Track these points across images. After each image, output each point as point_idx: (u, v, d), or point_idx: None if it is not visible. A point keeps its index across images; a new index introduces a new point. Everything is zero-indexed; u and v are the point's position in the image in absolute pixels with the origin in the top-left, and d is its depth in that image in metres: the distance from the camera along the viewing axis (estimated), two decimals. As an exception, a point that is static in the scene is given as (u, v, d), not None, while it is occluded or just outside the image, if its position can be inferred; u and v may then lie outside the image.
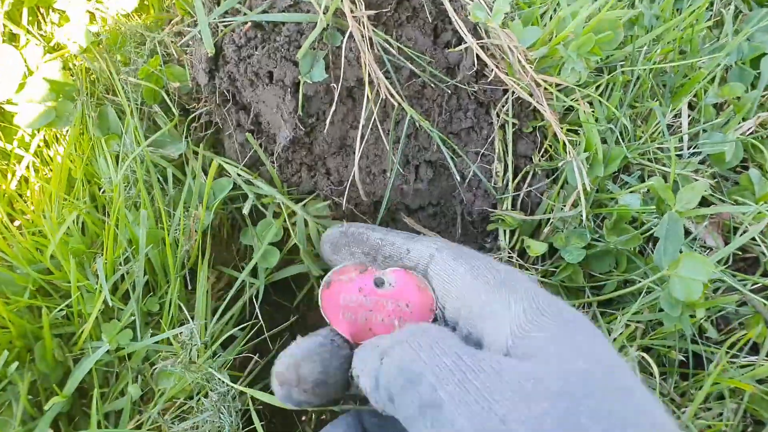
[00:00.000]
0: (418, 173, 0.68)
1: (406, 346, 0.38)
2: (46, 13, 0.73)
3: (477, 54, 0.62)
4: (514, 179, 0.69)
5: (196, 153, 0.70)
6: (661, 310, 0.66)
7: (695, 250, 0.67)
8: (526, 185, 0.70)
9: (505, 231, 0.69)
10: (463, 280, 0.49)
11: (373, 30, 0.60)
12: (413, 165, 0.68)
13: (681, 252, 0.60)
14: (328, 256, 0.58)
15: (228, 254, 0.72)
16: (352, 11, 0.58)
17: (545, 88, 0.65)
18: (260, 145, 0.68)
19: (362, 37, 0.59)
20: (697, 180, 0.66)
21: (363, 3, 0.58)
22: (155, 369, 0.61)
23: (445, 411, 0.32)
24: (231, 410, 0.59)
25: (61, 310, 0.61)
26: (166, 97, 0.68)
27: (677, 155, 0.69)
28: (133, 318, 0.61)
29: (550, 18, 0.73)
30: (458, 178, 0.69)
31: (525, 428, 0.30)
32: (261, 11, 0.60)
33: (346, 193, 0.65)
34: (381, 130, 0.64)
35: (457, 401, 0.32)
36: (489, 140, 0.68)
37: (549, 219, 0.68)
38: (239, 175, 0.66)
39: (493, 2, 0.62)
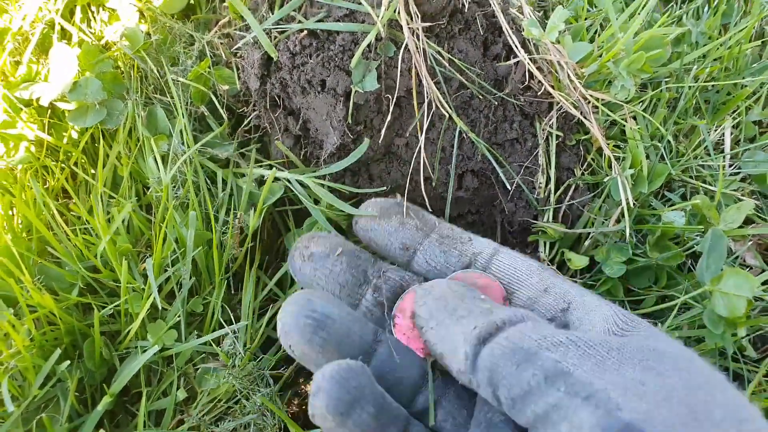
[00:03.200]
0: (463, 182, 0.69)
1: (511, 329, 0.39)
2: (97, 12, 0.73)
3: (528, 68, 0.63)
4: (556, 191, 0.70)
5: (241, 155, 0.71)
6: (701, 327, 0.66)
7: (735, 267, 0.68)
8: (567, 198, 0.70)
9: (545, 243, 0.70)
10: (540, 274, 0.50)
11: (426, 42, 0.61)
12: (457, 174, 0.68)
13: (722, 269, 0.61)
14: (367, 223, 0.54)
15: (269, 255, 0.72)
16: (408, 23, 0.59)
17: (591, 103, 0.65)
18: (306, 150, 0.69)
19: (416, 48, 0.59)
20: (741, 199, 0.66)
21: (419, 15, 0.59)
22: (198, 370, 0.62)
23: (577, 375, 0.33)
24: (274, 413, 0.59)
25: (109, 309, 0.61)
26: (214, 98, 0.69)
27: (719, 173, 0.69)
28: (178, 319, 0.62)
29: (596, 32, 0.73)
30: (502, 188, 0.69)
31: (661, 395, 0.31)
32: (317, 20, 0.61)
33: (405, 194, 0.65)
34: (422, 140, 0.64)
35: (586, 368, 0.33)
36: (533, 152, 0.69)
37: (590, 233, 0.68)
38: (292, 180, 0.66)
39: (532, 12, 0.62)
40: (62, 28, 0.73)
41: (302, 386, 0.67)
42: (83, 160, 0.70)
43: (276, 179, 0.65)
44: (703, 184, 0.68)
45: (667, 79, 0.71)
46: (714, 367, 0.37)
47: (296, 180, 0.63)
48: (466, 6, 0.63)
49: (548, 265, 0.69)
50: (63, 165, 0.69)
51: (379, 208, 0.55)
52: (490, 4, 0.65)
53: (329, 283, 0.52)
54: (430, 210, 0.70)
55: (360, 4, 0.60)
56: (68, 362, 0.59)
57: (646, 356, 0.36)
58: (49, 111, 0.70)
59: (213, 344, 0.62)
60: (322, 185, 0.63)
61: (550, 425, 0.33)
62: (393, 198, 0.56)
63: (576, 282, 0.69)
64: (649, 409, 0.31)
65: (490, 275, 0.50)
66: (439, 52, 0.62)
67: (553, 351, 0.35)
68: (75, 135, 0.70)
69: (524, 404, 0.35)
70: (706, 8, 0.76)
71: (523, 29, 0.60)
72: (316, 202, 0.65)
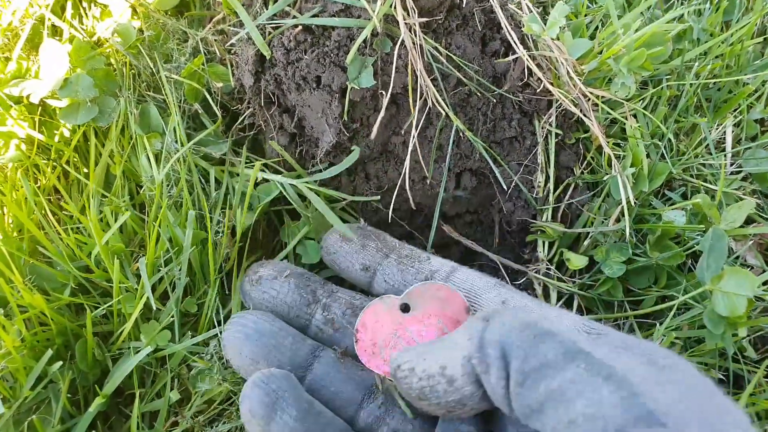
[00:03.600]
0: (460, 181, 0.68)
1: (511, 311, 0.38)
2: (89, 7, 0.72)
3: (526, 65, 0.62)
4: (555, 190, 0.69)
5: (235, 153, 0.70)
6: (701, 327, 0.65)
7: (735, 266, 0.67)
8: (567, 197, 0.69)
9: (544, 242, 0.69)
10: (497, 289, 0.50)
11: (423, 37, 0.60)
12: (454, 173, 0.68)
13: (723, 269, 0.60)
14: (331, 245, 0.57)
15: (265, 253, 0.71)
16: (404, 18, 0.57)
17: (591, 101, 0.64)
18: (302, 149, 0.68)
19: (413, 44, 0.58)
20: (742, 198, 0.65)
21: (416, 10, 0.58)
22: (192, 371, 0.61)
23: (597, 356, 0.32)
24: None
25: (102, 309, 0.61)
26: (208, 96, 0.68)
27: (720, 172, 0.68)
28: (171, 319, 0.61)
29: (596, 29, 0.72)
30: (500, 187, 0.68)
31: (677, 391, 0.31)
32: (312, 15, 0.60)
33: (393, 198, 0.65)
34: (416, 137, 0.63)
35: (602, 353, 0.33)
36: (532, 150, 0.68)
37: (589, 232, 0.67)
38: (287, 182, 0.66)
39: (531, 8, 0.61)
40: (53, 24, 0.71)
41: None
42: (75, 159, 0.69)
43: (266, 181, 0.64)
44: (704, 183, 0.68)
45: (668, 77, 0.70)
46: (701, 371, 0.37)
47: (289, 184, 0.62)
48: (464, 1, 0.62)
49: (546, 264, 0.68)
50: (55, 163, 0.68)
51: (338, 236, 0.58)
52: (489, 0, 0.64)
53: (277, 304, 0.54)
54: (423, 213, 0.70)
55: (356, -1, 0.59)
56: (60, 363, 0.58)
57: (647, 352, 0.35)
58: (40, 108, 0.69)
59: (204, 347, 0.61)
60: (311, 189, 0.63)
61: (564, 402, 0.32)
62: (356, 223, 0.59)
63: (575, 282, 0.68)
64: (669, 402, 0.30)
65: (451, 285, 0.50)
66: (436, 48, 0.61)
67: (569, 331, 0.34)
68: (67, 133, 0.69)
69: (538, 379, 0.33)
70: (707, 5, 0.75)
71: (523, 25, 0.59)
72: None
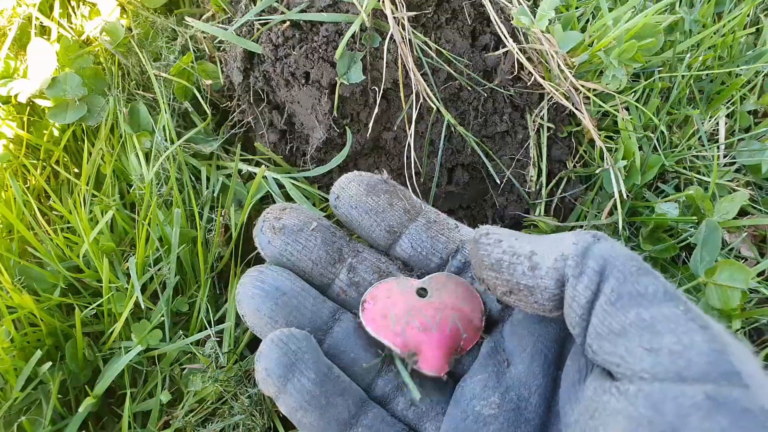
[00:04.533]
0: (453, 176, 0.68)
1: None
2: (77, 6, 0.72)
3: (517, 58, 0.61)
4: (547, 184, 0.68)
5: (226, 151, 0.69)
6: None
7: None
8: (560, 191, 0.69)
9: (537, 237, 0.68)
10: None
11: (412, 32, 0.59)
12: (446, 168, 0.67)
13: (717, 261, 0.60)
14: (352, 199, 0.49)
15: (256, 252, 0.71)
16: (392, 12, 0.57)
17: (583, 94, 0.64)
18: (292, 145, 0.67)
19: (402, 38, 0.58)
20: (735, 190, 0.65)
21: (404, 4, 0.57)
22: (184, 370, 0.61)
23: (694, 308, 0.33)
24: (263, 412, 0.58)
25: (91, 308, 0.60)
26: (197, 94, 0.68)
27: (713, 164, 0.68)
28: (162, 318, 0.61)
29: (587, 21, 0.72)
30: (493, 182, 0.68)
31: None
32: (299, 10, 0.59)
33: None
34: (412, 134, 0.63)
35: (696, 308, 0.33)
36: (524, 144, 0.68)
37: (582, 226, 0.67)
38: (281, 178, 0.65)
39: (527, 2, 0.61)
40: (41, 23, 0.71)
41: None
42: (65, 159, 0.69)
43: (254, 176, 0.64)
44: (697, 175, 0.67)
45: (659, 69, 0.69)
46: None
47: (273, 178, 0.62)
48: (453, -5, 0.61)
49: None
50: (44, 163, 0.68)
51: (365, 185, 0.50)
52: (478, -7, 0.63)
53: (301, 259, 0.49)
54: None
55: (344, -6, 0.59)
56: (50, 364, 0.57)
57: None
58: (29, 108, 0.68)
59: (194, 346, 0.60)
60: (297, 187, 0.62)
61: (652, 332, 0.32)
62: (378, 174, 0.52)
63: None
64: (755, 368, 0.30)
65: (473, 287, 0.48)
66: (425, 43, 0.61)
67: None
68: (56, 132, 0.69)
69: (631, 305, 0.33)
70: (699, -4, 0.75)
71: (513, 18, 0.59)
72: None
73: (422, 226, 0.50)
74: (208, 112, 0.68)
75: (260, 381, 0.43)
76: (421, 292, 0.48)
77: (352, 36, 0.58)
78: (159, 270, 0.61)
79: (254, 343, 0.65)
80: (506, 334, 0.46)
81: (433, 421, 0.46)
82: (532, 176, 0.68)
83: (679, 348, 0.31)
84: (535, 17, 0.56)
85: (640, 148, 0.67)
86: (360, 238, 0.53)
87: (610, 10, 0.64)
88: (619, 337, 0.33)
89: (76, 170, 0.70)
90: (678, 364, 0.30)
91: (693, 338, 0.31)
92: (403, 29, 0.58)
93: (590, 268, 0.35)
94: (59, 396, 0.58)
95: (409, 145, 0.63)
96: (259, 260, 0.66)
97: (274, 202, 0.68)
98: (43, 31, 0.72)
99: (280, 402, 0.43)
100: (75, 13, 0.72)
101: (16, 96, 0.66)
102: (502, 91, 0.65)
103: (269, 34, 0.60)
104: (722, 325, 0.33)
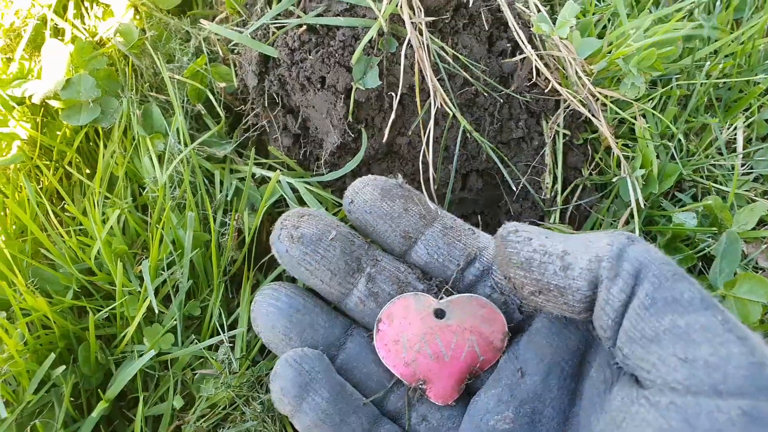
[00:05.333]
0: (467, 182, 0.67)
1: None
2: (91, 7, 0.71)
3: (534, 65, 0.61)
4: (562, 192, 0.68)
5: (239, 154, 0.69)
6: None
7: (748, 271, 0.66)
8: (575, 198, 0.68)
9: (551, 244, 0.68)
10: None
11: (430, 37, 0.59)
12: (460, 174, 0.67)
13: (736, 273, 0.59)
14: (367, 204, 0.48)
15: (268, 256, 0.71)
16: (410, 17, 0.57)
17: (600, 101, 0.63)
18: (306, 150, 0.67)
19: (419, 44, 0.58)
20: (754, 200, 0.64)
21: (422, 9, 0.57)
22: (196, 375, 0.60)
23: (730, 316, 0.32)
24: (275, 419, 0.58)
25: (104, 312, 0.60)
26: (211, 96, 0.67)
27: (731, 173, 0.67)
28: (174, 323, 0.60)
29: (604, 27, 0.71)
30: (507, 188, 0.67)
31: None
32: (316, 14, 0.59)
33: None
34: (430, 140, 0.63)
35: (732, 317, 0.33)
36: (539, 151, 0.67)
37: (597, 234, 0.66)
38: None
39: (540, 6, 0.60)
40: (55, 24, 0.71)
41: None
42: (78, 160, 0.69)
43: (268, 180, 0.63)
44: (715, 185, 0.66)
45: (677, 76, 0.69)
46: None
47: (287, 183, 0.61)
48: (471, 0, 0.61)
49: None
50: (57, 165, 0.68)
51: (380, 189, 0.49)
52: (496, -1, 0.63)
53: (319, 269, 0.48)
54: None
55: (361, -2, 0.58)
56: (63, 367, 0.57)
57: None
58: (42, 109, 0.68)
59: (207, 350, 0.60)
60: (311, 191, 0.61)
61: (687, 341, 0.31)
62: (392, 177, 0.50)
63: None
64: None
65: (495, 307, 0.47)
66: (442, 48, 0.60)
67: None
68: (69, 134, 0.69)
69: (666, 310, 0.32)
70: (717, 2, 0.74)
71: (531, 24, 0.58)
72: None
73: (438, 232, 0.49)
74: (222, 115, 0.67)
75: (276, 401, 0.44)
76: (439, 313, 0.47)
77: (369, 41, 0.57)
78: (172, 274, 0.61)
79: (266, 348, 0.64)
80: (522, 344, 0.45)
81: None
82: (547, 183, 0.67)
83: (716, 360, 0.30)
84: (554, 24, 0.55)
85: (657, 157, 0.67)
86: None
87: (629, 16, 0.64)
88: (652, 343, 0.32)
89: (88, 171, 0.70)
90: (714, 377, 0.30)
91: (730, 350, 0.30)
92: (421, 34, 0.57)
93: (625, 271, 0.35)
94: (71, 399, 0.58)
95: (423, 150, 0.62)
96: (272, 265, 0.66)
97: (287, 207, 0.68)
98: (58, 32, 0.72)
99: (296, 421, 0.44)
100: (89, 14, 0.72)
101: (30, 97, 0.66)
102: (519, 97, 0.64)
103: (285, 37, 0.60)
104: (761, 337, 0.33)
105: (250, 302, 0.62)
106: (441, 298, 0.47)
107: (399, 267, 0.50)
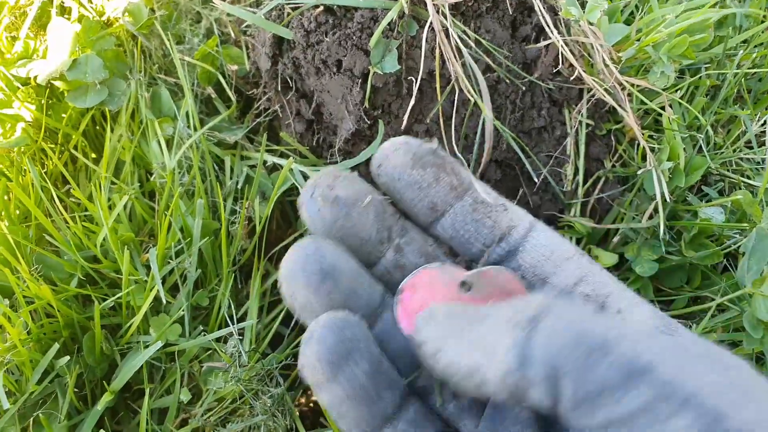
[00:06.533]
0: (485, 173, 0.65)
1: (563, 316, 0.32)
2: (98, -15, 0.69)
3: (560, 51, 0.58)
4: (584, 184, 0.65)
5: (250, 140, 0.67)
6: (735, 330, 0.63)
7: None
8: (597, 191, 0.66)
9: (572, 238, 0.66)
10: (578, 260, 0.43)
11: (452, 20, 0.56)
12: (479, 163, 0.64)
13: (764, 271, 0.57)
14: (396, 170, 0.45)
15: (279, 246, 0.69)
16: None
17: (627, 90, 0.61)
18: (319, 136, 0.65)
19: (441, 27, 0.55)
20: (784, 196, 0.62)
21: (444, -9, 0.54)
22: (203, 367, 0.59)
23: (664, 373, 0.28)
24: (286, 413, 0.56)
25: (110, 301, 0.58)
26: (222, 79, 0.65)
27: (760, 167, 0.65)
28: (182, 313, 0.58)
29: (631, 13, 0.68)
30: (526, 179, 0.65)
31: (762, 400, 0.28)
32: (333, -5, 0.56)
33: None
34: (454, 125, 0.60)
35: (670, 365, 0.28)
36: (561, 142, 0.65)
37: (619, 228, 0.64)
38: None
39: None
40: (61, 3, 0.69)
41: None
42: (83, 144, 0.67)
43: (279, 167, 0.61)
44: (743, 179, 0.64)
45: (707, 65, 0.66)
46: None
47: (299, 171, 0.59)
48: (495, -18, 0.58)
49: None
50: (62, 148, 0.66)
51: (412, 154, 0.45)
52: (521, -19, 0.60)
53: (352, 235, 0.45)
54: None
55: (381, -22, 0.56)
56: (67, 357, 0.55)
57: (715, 356, 0.31)
58: (48, 90, 0.66)
59: (215, 342, 0.58)
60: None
61: (634, 430, 0.28)
62: (427, 141, 0.47)
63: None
64: (756, 418, 0.27)
65: (524, 281, 0.45)
66: (464, 32, 0.58)
67: (625, 342, 0.30)
68: (75, 116, 0.66)
69: (596, 406, 0.29)
70: (749, -11, 0.71)
71: (559, 9, 0.56)
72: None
73: (468, 206, 0.46)
74: (233, 99, 0.65)
75: (307, 366, 0.39)
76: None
77: (389, 23, 0.55)
78: (180, 262, 0.59)
79: (276, 340, 0.63)
80: None
81: (473, 418, 0.44)
82: (568, 175, 0.65)
83: None
84: (584, 8, 0.53)
85: (683, 149, 0.64)
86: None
87: (659, 1, 0.61)
88: None
89: (94, 156, 0.68)
90: None
91: (678, 425, 0.27)
92: (443, 17, 0.55)
93: (538, 378, 0.31)
94: (75, 390, 0.56)
95: (442, 138, 0.60)
96: (283, 256, 0.64)
97: (299, 195, 0.66)
98: (64, 10, 0.69)
99: (325, 391, 0.39)
100: (97, -8, 0.70)
101: (35, 78, 0.64)
102: (542, 84, 0.62)
103: (300, 18, 0.58)
104: (695, 364, 0.29)
105: (261, 294, 0.60)
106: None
107: (428, 240, 0.47)
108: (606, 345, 0.29)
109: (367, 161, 0.63)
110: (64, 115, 0.66)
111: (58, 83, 0.64)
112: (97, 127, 0.67)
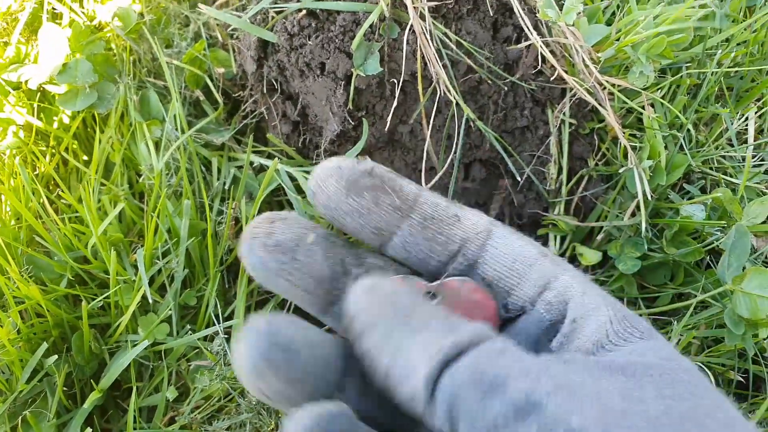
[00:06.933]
0: (470, 172, 0.66)
1: (475, 352, 0.32)
2: (89, -9, 0.70)
3: (540, 52, 0.59)
4: (567, 182, 0.66)
5: (237, 141, 0.68)
6: (719, 326, 0.63)
7: (758, 266, 0.64)
8: (580, 189, 0.67)
9: (555, 236, 0.66)
10: (540, 265, 0.41)
11: (433, 23, 0.57)
12: (463, 163, 0.65)
13: (744, 267, 0.57)
14: (331, 200, 0.41)
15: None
16: (413, 2, 0.55)
17: (607, 90, 0.61)
18: (305, 137, 0.66)
19: (422, 29, 0.56)
20: (765, 192, 0.63)
21: (424, -7, 0.55)
22: (191, 366, 0.59)
23: (552, 410, 0.29)
24: (271, 411, 0.57)
25: (98, 301, 0.59)
26: (209, 82, 0.66)
27: (741, 165, 0.66)
28: (170, 312, 0.59)
29: (613, 14, 0.69)
30: (511, 179, 0.66)
31: (645, 420, 0.28)
32: (316, -2, 0.57)
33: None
34: (430, 127, 0.61)
35: (560, 400, 0.29)
36: (544, 141, 0.65)
37: (603, 226, 0.65)
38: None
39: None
40: (52, 8, 0.70)
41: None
42: (74, 146, 0.68)
43: (266, 168, 0.62)
44: (725, 177, 0.65)
45: (687, 64, 0.67)
46: (717, 390, 0.33)
47: (285, 171, 0.60)
48: (475, -15, 0.59)
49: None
50: (53, 151, 0.67)
51: (345, 181, 0.42)
52: (501, -17, 0.61)
53: (302, 278, 0.42)
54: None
55: (362, -19, 0.57)
56: (56, 356, 0.56)
57: (629, 380, 0.31)
58: (39, 94, 0.67)
59: (202, 341, 0.59)
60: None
61: None
62: (360, 160, 0.43)
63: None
64: None
65: (488, 290, 0.43)
66: (446, 34, 0.58)
67: (523, 379, 0.30)
68: (66, 119, 0.67)
69: None
70: (730, -11, 0.72)
71: (537, 11, 0.57)
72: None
73: (417, 224, 0.43)
74: (220, 101, 0.66)
75: None
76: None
77: (370, 26, 0.56)
78: (167, 262, 0.60)
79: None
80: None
81: None
82: (552, 174, 0.66)
83: None
84: (561, 10, 0.54)
85: (665, 147, 0.65)
86: None
87: (638, 2, 0.62)
88: None
89: (85, 158, 0.69)
90: None
91: None
92: (423, 20, 0.56)
93: (440, 414, 0.31)
94: (64, 388, 0.57)
95: (425, 139, 0.61)
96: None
97: (286, 195, 0.67)
98: (55, 15, 0.71)
99: None
100: (87, -3, 0.71)
101: (26, 82, 0.65)
102: (524, 85, 0.63)
103: (284, 22, 0.59)
104: (580, 412, 0.29)
105: (248, 293, 0.61)
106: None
107: (387, 263, 0.45)
108: (500, 385, 0.30)
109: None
110: (55, 118, 0.67)
111: (49, 87, 0.65)
112: (88, 130, 0.68)
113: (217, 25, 0.67)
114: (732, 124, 0.66)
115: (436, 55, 0.57)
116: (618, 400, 0.30)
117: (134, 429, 0.55)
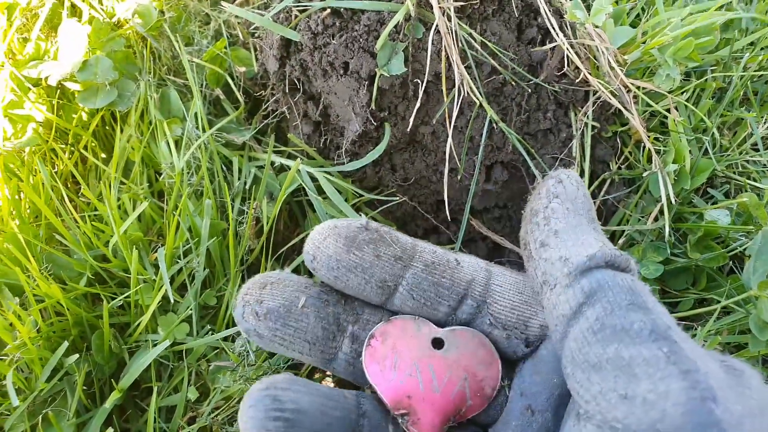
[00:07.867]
0: (491, 174, 0.65)
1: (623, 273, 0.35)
2: (109, -12, 0.70)
3: (565, 54, 0.59)
4: (590, 186, 0.66)
5: (258, 141, 0.67)
6: (741, 332, 0.62)
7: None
8: (602, 193, 0.66)
9: (577, 240, 0.66)
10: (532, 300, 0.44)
11: (458, 23, 0.57)
12: (485, 165, 0.65)
13: (770, 274, 0.57)
14: (339, 258, 0.42)
15: (286, 246, 0.69)
16: (439, 2, 0.54)
17: (632, 93, 0.61)
18: (326, 138, 0.65)
19: (447, 30, 0.55)
20: (790, 198, 0.62)
21: (451, -7, 0.55)
22: (211, 366, 0.59)
23: (683, 348, 0.30)
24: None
25: (119, 300, 0.59)
26: (230, 81, 0.66)
27: (766, 170, 0.65)
28: (190, 312, 0.59)
29: (637, 16, 0.68)
30: (533, 181, 0.65)
31: (754, 404, 0.29)
32: (341, -3, 0.57)
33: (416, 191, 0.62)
34: (451, 129, 0.61)
35: (687, 346, 0.31)
36: (567, 144, 0.65)
37: (624, 230, 0.64)
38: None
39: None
40: (72, 4, 0.69)
41: (321, 382, 0.64)
42: (93, 144, 0.67)
43: (287, 168, 0.62)
44: (749, 181, 0.64)
45: (713, 68, 0.66)
46: None
47: (307, 172, 0.59)
48: (501, -15, 0.59)
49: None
50: (72, 148, 0.66)
51: (344, 239, 0.42)
52: (527, -16, 0.60)
53: (296, 342, 0.42)
54: (449, 206, 0.65)
55: (388, -19, 0.56)
56: (76, 355, 0.56)
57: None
58: (58, 91, 0.67)
59: (223, 342, 0.59)
60: (330, 181, 0.59)
61: (628, 375, 0.30)
62: (355, 220, 0.44)
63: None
64: (742, 415, 0.27)
65: (495, 350, 0.43)
66: (470, 35, 0.58)
67: (663, 316, 0.32)
68: (85, 117, 0.67)
69: (612, 339, 0.31)
70: (756, -8, 0.71)
71: (564, 12, 0.56)
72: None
73: (420, 272, 0.43)
74: (241, 100, 0.66)
75: None
76: (437, 343, 0.43)
77: (395, 26, 0.55)
78: (188, 262, 0.60)
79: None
80: (527, 377, 0.42)
81: None
82: (574, 177, 0.65)
83: (653, 397, 0.28)
84: (589, 11, 0.53)
85: (689, 152, 0.64)
86: None
87: (664, 3, 0.61)
88: (594, 371, 0.31)
89: (104, 156, 0.68)
90: (651, 415, 0.28)
91: (669, 386, 0.28)
92: (449, 20, 0.55)
93: (580, 286, 0.34)
94: (84, 387, 0.57)
95: (447, 140, 0.60)
96: (290, 256, 0.64)
97: (306, 196, 0.66)
98: (75, 12, 0.70)
99: None
100: (107, -6, 0.71)
101: (46, 79, 0.64)
102: (547, 87, 0.62)
103: (308, 21, 0.58)
104: (718, 362, 0.30)
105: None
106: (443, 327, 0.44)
107: (385, 315, 0.45)
108: (644, 307, 0.32)
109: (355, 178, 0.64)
110: (74, 115, 0.67)
111: (68, 84, 0.65)
112: (107, 128, 0.68)
113: (238, 23, 0.67)
114: (757, 128, 0.65)
115: (460, 56, 0.57)
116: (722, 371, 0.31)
117: (154, 429, 0.55)
